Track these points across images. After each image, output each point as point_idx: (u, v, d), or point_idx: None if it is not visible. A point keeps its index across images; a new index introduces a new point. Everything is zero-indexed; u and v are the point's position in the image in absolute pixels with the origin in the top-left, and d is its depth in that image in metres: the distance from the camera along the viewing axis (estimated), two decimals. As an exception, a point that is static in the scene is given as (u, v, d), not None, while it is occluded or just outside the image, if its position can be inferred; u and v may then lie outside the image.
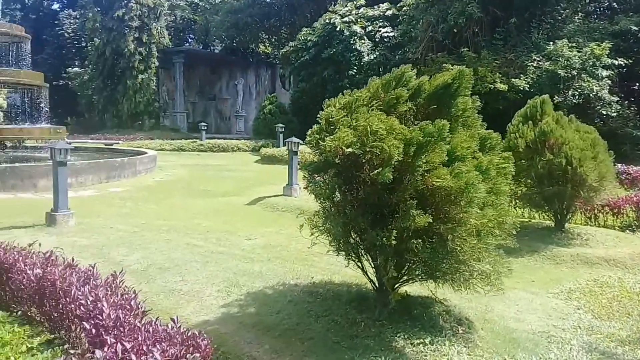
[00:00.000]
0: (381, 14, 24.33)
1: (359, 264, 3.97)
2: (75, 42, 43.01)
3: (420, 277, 3.87)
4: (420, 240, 3.42)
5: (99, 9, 34.25)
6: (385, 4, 24.52)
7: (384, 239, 3.38)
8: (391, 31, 23.47)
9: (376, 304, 3.99)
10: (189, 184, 12.09)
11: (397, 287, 3.99)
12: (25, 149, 13.70)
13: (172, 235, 6.62)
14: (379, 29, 23.77)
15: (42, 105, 13.81)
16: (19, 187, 9.52)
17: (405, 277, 3.90)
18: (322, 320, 3.85)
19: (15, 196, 9.19)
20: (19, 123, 14.34)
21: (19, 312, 3.65)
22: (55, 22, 44.05)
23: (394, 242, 3.35)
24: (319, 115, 3.87)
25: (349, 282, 4.68)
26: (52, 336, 3.15)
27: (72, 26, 42.75)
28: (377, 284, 3.99)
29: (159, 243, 6.10)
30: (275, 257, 5.70)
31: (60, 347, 2.88)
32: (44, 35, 40.84)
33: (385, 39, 23.62)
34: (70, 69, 38.61)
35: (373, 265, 3.89)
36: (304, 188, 4.80)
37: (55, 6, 48.92)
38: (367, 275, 4.01)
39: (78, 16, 41.99)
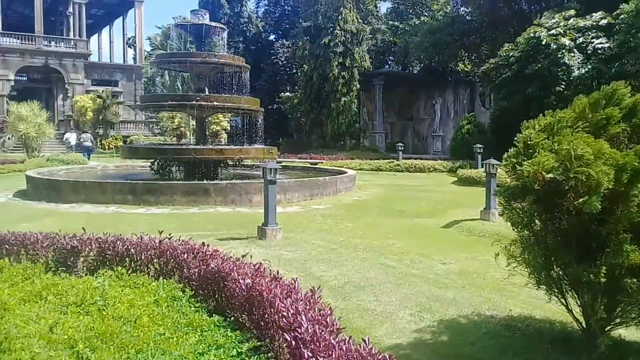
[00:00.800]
0: (594, 24, 22.17)
1: (562, 300, 3.65)
2: (287, 69, 47.12)
3: (636, 321, 3.43)
4: (635, 280, 3.04)
5: (307, 37, 37.14)
6: (599, 13, 22.30)
7: (591, 275, 3.08)
8: (606, 42, 21.23)
9: (582, 347, 3.63)
10: (384, 203, 12.36)
11: (607, 330, 3.58)
12: (243, 167, 15.41)
13: (368, 254, 6.83)
14: (592, 40, 21.67)
15: (258, 128, 15.39)
16: (237, 201, 10.74)
17: (617, 320, 3.49)
18: (520, 358, 3.63)
19: (234, 210, 10.37)
20: (239, 144, 16.15)
21: (232, 318, 4.07)
22: (271, 51, 48.85)
23: (603, 279, 3.03)
24: (516, 138, 3.70)
25: (552, 319, 4.33)
26: (259, 343, 3.44)
27: (285, 55, 46.95)
28: (583, 324, 3.62)
29: (355, 261, 6.34)
30: (470, 285, 5.53)
31: (265, 355, 3.14)
32: (262, 63, 45.58)
33: (598, 51, 21.44)
34: (282, 93, 42.35)
35: (579, 304, 3.55)
36: (500, 215, 4.59)
37: (272, 37, 54.31)
38: (572, 313, 3.67)
39: (290, 45, 46.02)
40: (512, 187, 3.67)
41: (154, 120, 43.02)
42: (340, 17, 34.33)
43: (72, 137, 31.78)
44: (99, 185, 11.15)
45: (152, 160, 13.71)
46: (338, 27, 34.31)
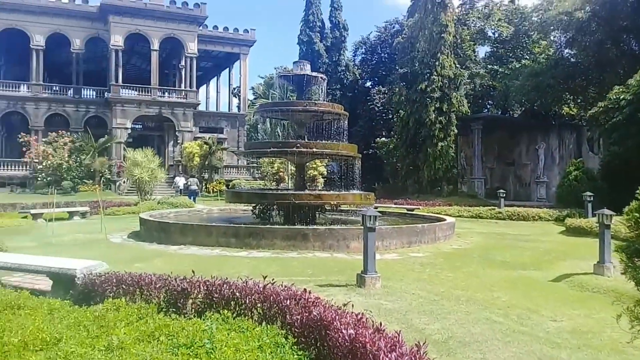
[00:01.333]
0: None
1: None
2: (383, 114, 47.58)
3: None
4: None
5: (404, 83, 37.41)
6: None
7: None
8: None
9: None
10: (485, 253, 11.89)
11: None
12: (340, 212, 15.56)
13: (471, 307, 6.56)
14: None
15: (355, 173, 15.55)
16: (335, 247, 10.81)
17: None
18: None
19: (332, 255, 10.44)
20: (336, 189, 16.36)
21: (334, 368, 4.07)
22: (367, 97, 49.68)
23: None
24: (638, 190, 3.45)
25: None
26: (362, 396, 3.40)
27: (381, 100, 47.53)
28: None
29: (458, 314, 6.12)
30: (586, 346, 5.12)
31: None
32: (358, 109, 46.45)
33: None
34: (378, 138, 42.63)
35: None
36: (622, 273, 4.26)
37: (368, 84, 55.36)
38: None
39: (386, 91, 46.59)
40: (636, 243, 3.41)
41: (255, 165, 44.79)
42: (437, 63, 34.34)
43: (180, 181, 33.83)
44: (204, 229, 11.71)
45: (254, 205, 14.22)
46: (435, 73, 34.30)
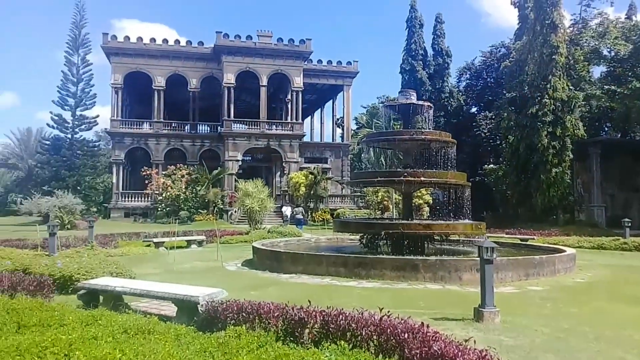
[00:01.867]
0: None
1: None
2: (490, 140, 46.09)
3: None
4: None
5: (512, 108, 36.08)
6: None
7: None
8: None
9: None
10: (613, 287, 10.99)
11: None
12: (448, 243, 15.11)
13: (601, 345, 6.07)
14: None
15: (464, 202, 15.11)
16: (447, 278, 10.50)
17: None
18: None
19: (444, 287, 10.15)
20: (442, 218, 15.96)
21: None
22: (473, 124, 48.46)
23: None
24: None
25: None
26: None
27: (487, 126, 46.13)
28: None
29: (588, 353, 5.67)
30: None
31: None
32: (463, 136, 45.34)
33: None
34: (485, 165, 41.28)
35: None
36: None
37: (473, 109, 54.06)
38: None
39: (493, 117, 45.15)
40: None
41: (359, 194, 45.06)
42: (548, 86, 32.85)
43: (287, 210, 34.81)
44: (315, 258, 11.88)
45: (361, 234, 14.25)
46: (547, 96, 32.80)
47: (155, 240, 18.86)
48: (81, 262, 9.83)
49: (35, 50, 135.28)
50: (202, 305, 6.68)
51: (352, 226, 14.44)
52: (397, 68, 54.00)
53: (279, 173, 46.81)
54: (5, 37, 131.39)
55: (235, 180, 42.06)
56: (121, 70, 44.22)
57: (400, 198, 34.51)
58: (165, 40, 45.47)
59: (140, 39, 44.97)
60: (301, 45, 45.84)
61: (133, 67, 44.35)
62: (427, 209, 34.63)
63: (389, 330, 4.99)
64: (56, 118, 45.83)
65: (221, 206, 40.67)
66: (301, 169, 44.36)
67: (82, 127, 47.55)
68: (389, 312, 5.37)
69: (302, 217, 33.72)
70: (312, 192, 40.36)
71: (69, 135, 46.81)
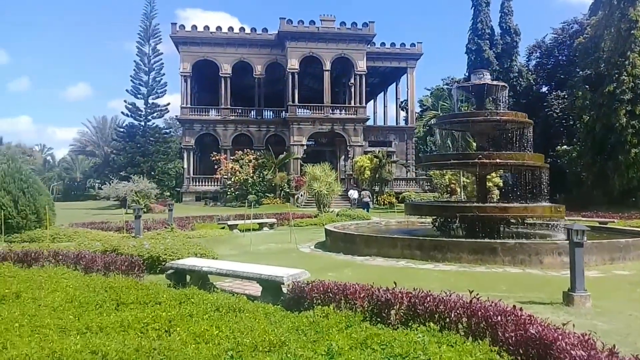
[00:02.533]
0: None
1: None
2: (563, 120, 44.20)
3: None
4: None
5: (587, 86, 34.41)
6: None
7: None
8: None
9: None
10: None
11: None
12: (523, 226, 14.70)
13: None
14: None
15: (541, 184, 14.64)
16: (527, 262, 10.25)
17: None
18: None
19: (524, 271, 9.92)
20: (515, 201, 15.50)
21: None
22: (544, 103, 46.59)
23: None
24: None
25: None
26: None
27: (559, 106, 44.22)
28: None
29: (691, 340, 5.43)
30: None
31: None
32: (532, 117, 43.59)
33: None
34: (558, 147, 39.68)
35: None
36: None
37: (544, 89, 51.92)
38: None
39: (565, 96, 43.23)
40: None
41: (424, 177, 44.54)
42: (627, 62, 31.11)
43: (355, 194, 34.90)
44: (389, 240, 11.88)
45: (434, 217, 14.10)
46: (625, 73, 31.09)
47: (229, 222, 19.45)
48: (166, 243, 10.27)
49: (105, 42, 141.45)
50: (286, 285, 6.87)
51: (424, 209, 14.28)
52: (461, 49, 52.71)
53: (342, 157, 46.90)
54: (78, 30, 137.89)
55: (301, 165, 42.55)
56: (189, 58, 45.44)
57: (468, 181, 33.95)
58: (230, 29, 46.25)
59: (207, 27, 45.99)
60: (364, 28, 45.43)
61: (201, 55, 45.46)
62: (496, 191, 33.75)
63: (479, 312, 4.96)
64: (130, 106, 47.81)
65: (287, 190, 41.27)
66: (365, 152, 44.23)
67: (155, 114, 49.35)
68: (477, 295, 5.33)
69: (368, 200, 33.73)
70: (377, 175, 40.20)
71: (142, 123, 48.72)
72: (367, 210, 28.82)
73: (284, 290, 6.85)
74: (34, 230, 14.46)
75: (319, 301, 6.08)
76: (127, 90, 48.03)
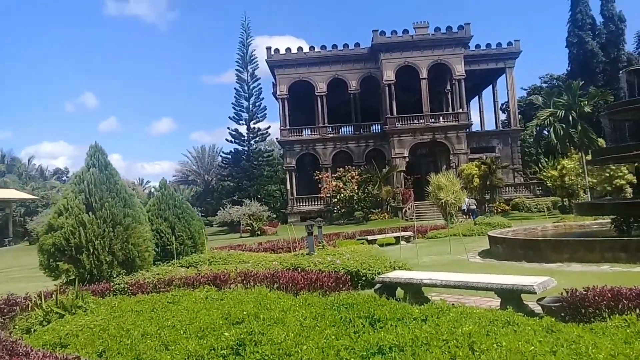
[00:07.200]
0: None
1: None
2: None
3: None
4: None
5: None
6: None
7: None
8: None
9: None
10: None
11: None
12: None
13: None
14: None
15: None
16: None
17: None
18: None
19: None
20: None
21: None
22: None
23: None
24: None
25: None
26: None
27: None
28: None
29: None
30: None
31: None
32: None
33: None
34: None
35: None
36: None
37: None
38: None
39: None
40: None
41: (534, 182, 42.47)
42: None
43: (468, 203, 33.64)
44: (584, 244, 10.82)
45: (613, 217, 12.87)
46: None
47: (368, 237, 19.07)
48: (355, 259, 9.92)
49: (185, 77, 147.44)
50: (538, 294, 6.21)
51: (607, 208, 13.03)
52: (557, 44, 50.35)
53: (444, 166, 45.46)
54: (159, 68, 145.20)
55: (405, 178, 41.73)
56: (285, 81, 46.11)
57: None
58: (323, 47, 46.51)
59: (300, 49, 46.60)
60: (460, 31, 44.17)
61: (296, 76, 46.03)
62: (629, 189, 31.25)
63: None
64: (233, 132, 49.06)
65: (393, 204, 40.47)
66: (470, 160, 42.65)
67: (257, 138, 50.30)
68: None
69: (475, 207, 32.46)
70: (487, 182, 38.53)
71: (246, 148, 49.80)
72: (474, 218, 27.50)
73: (534, 299, 6.18)
74: (190, 255, 14.61)
75: (607, 310, 5.34)
76: (229, 118, 49.45)
